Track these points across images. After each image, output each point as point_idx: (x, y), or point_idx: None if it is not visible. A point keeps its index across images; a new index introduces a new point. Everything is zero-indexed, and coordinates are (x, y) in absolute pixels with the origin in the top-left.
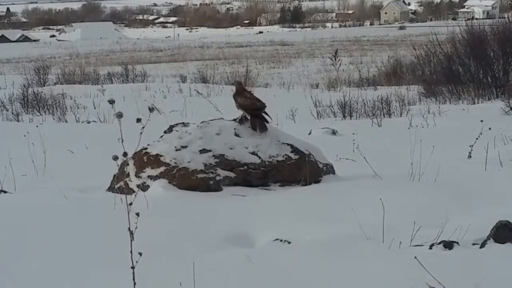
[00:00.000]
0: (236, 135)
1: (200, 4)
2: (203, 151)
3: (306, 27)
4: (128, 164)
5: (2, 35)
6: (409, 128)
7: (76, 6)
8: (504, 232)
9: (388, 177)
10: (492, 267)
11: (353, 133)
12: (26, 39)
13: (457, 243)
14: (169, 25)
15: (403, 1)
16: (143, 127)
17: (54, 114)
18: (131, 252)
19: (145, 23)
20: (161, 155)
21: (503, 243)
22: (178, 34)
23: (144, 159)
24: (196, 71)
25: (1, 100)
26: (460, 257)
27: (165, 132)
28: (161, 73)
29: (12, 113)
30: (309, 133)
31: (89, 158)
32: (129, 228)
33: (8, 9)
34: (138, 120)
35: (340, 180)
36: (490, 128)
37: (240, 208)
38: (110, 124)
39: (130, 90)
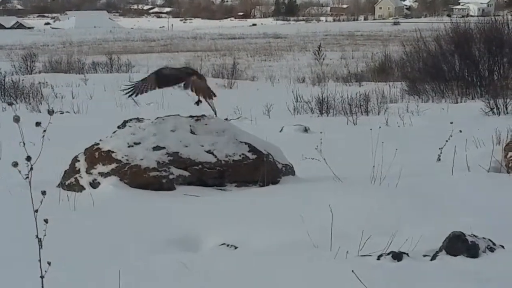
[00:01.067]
0: (192, 132)
1: None
2: (156, 148)
3: (300, 20)
4: (79, 160)
5: None
6: (380, 127)
7: None
8: (457, 244)
9: (349, 180)
10: (440, 281)
11: (321, 132)
12: (20, 26)
13: (407, 254)
14: (163, 15)
15: None
16: (44, 130)
17: (30, 104)
18: (39, 260)
19: (140, 13)
20: (113, 151)
21: (456, 255)
22: (172, 25)
23: (96, 155)
24: (186, 62)
25: None
26: (408, 269)
27: (118, 127)
28: (152, 63)
29: None
30: (281, 130)
31: (49, 151)
32: (37, 236)
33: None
34: (38, 123)
35: (299, 182)
36: (460, 131)
37: (191, 209)
38: (83, 115)
39: (113, 80)
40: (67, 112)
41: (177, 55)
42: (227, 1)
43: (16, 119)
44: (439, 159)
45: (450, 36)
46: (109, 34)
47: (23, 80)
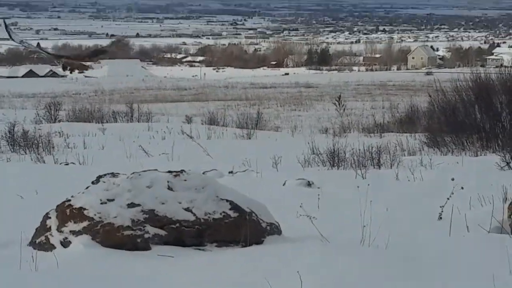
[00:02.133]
0: (170, 188)
1: (228, 44)
2: (131, 205)
3: (333, 70)
4: (50, 217)
5: (31, 70)
6: (369, 185)
7: (105, 43)
8: None
9: (337, 241)
10: None
11: (318, 187)
12: (54, 74)
13: None
14: (196, 64)
15: (431, 47)
16: None
17: (38, 154)
18: None
19: (173, 62)
20: (85, 209)
21: None
22: (205, 74)
23: (67, 212)
24: (213, 110)
25: None
26: None
27: (92, 182)
28: (182, 112)
29: None
30: (284, 184)
31: (34, 205)
32: None
33: (38, 44)
34: None
35: (283, 242)
36: (462, 188)
37: (162, 272)
38: (87, 167)
39: (131, 130)
40: (72, 163)
41: (207, 104)
42: (259, 50)
43: None
44: (440, 218)
45: (471, 87)
46: (141, 82)
47: (39, 129)
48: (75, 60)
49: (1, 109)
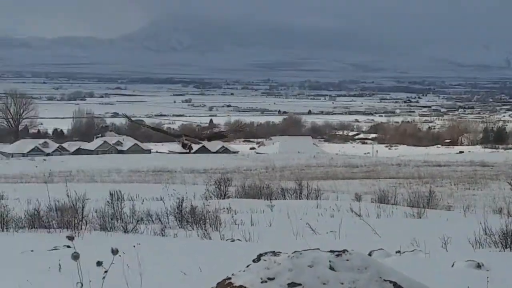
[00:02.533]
0: (331, 268)
1: (402, 121)
2: (291, 284)
3: (509, 148)
4: None
5: (203, 146)
6: None
7: (277, 119)
8: None
9: None
10: None
11: (487, 270)
12: (226, 150)
13: None
14: (368, 141)
15: None
16: (106, 271)
17: (205, 230)
18: None
19: (345, 139)
20: (245, 287)
21: None
22: (377, 151)
23: None
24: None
25: (157, 213)
26: None
27: (253, 261)
28: (352, 190)
29: (164, 227)
30: (452, 265)
31: (196, 283)
32: None
33: (211, 120)
34: (99, 263)
35: None
36: None
37: None
38: (252, 244)
39: (299, 207)
40: (238, 240)
41: (378, 182)
42: (434, 128)
43: (75, 256)
44: None
45: None
46: (313, 159)
47: (207, 205)
48: (194, 141)
49: (173, 185)
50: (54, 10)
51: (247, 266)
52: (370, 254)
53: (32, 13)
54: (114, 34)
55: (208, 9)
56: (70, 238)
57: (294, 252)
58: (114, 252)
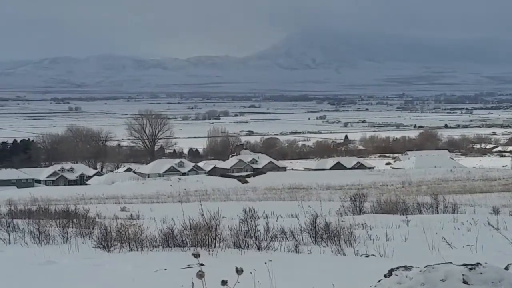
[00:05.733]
0: (464, 282)
1: None
2: None
3: None
4: None
5: (338, 162)
6: None
7: (413, 134)
8: None
9: None
10: None
11: None
12: (361, 166)
13: None
14: (506, 154)
15: None
16: None
17: (339, 246)
18: None
19: (482, 152)
20: None
21: None
22: None
23: None
24: None
25: (291, 229)
26: None
27: (385, 275)
28: (490, 203)
29: (298, 244)
30: None
31: None
32: None
33: (346, 136)
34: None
35: None
36: None
37: None
38: (387, 259)
39: (436, 222)
40: (373, 255)
41: None
42: None
43: (200, 275)
44: None
45: None
46: (449, 173)
47: (342, 221)
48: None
49: (308, 201)
50: (187, 31)
51: (379, 281)
52: (507, 268)
53: (165, 35)
54: (246, 52)
55: (341, 25)
56: (196, 255)
57: (426, 266)
58: (239, 271)
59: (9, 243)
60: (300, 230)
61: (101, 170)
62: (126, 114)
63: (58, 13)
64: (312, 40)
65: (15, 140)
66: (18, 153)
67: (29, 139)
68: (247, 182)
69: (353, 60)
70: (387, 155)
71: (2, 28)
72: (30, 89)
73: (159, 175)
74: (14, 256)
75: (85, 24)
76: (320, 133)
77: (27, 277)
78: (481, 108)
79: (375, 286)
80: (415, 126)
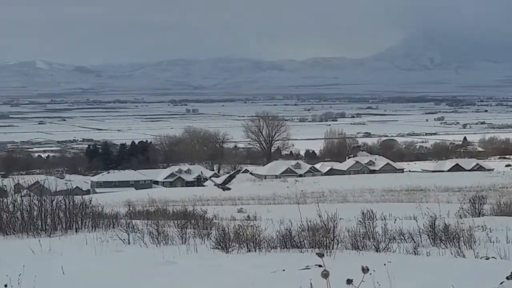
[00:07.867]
0: None
1: None
2: None
3: None
4: None
5: (457, 164)
6: None
7: None
8: None
9: None
10: None
11: None
12: (480, 168)
13: None
14: None
15: None
16: None
17: (459, 248)
18: None
19: None
20: None
21: None
22: None
23: None
24: None
25: (409, 231)
26: None
27: (507, 278)
28: None
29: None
30: None
31: None
32: None
33: (465, 138)
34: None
35: None
36: None
37: None
38: (509, 261)
39: None
40: (493, 257)
41: None
42: None
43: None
44: None
45: None
46: None
47: (462, 223)
48: None
49: (426, 203)
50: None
51: (501, 283)
52: None
53: (282, 36)
54: (364, 54)
55: (458, 25)
56: (320, 255)
57: None
58: (365, 270)
59: (129, 243)
60: (419, 232)
61: (218, 172)
62: (243, 116)
63: (176, 16)
64: (430, 41)
65: (133, 142)
66: (137, 155)
67: (147, 140)
68: (229, 189)
69: (471, 60)
70: (507, 156)
71: (122, 32)
72: (148, 91)
73: (276, 176)
74: (134, 256)
75: (202, 27)
76: (438, 134)
77: (148, 277)
78: None
79: None
80: None
